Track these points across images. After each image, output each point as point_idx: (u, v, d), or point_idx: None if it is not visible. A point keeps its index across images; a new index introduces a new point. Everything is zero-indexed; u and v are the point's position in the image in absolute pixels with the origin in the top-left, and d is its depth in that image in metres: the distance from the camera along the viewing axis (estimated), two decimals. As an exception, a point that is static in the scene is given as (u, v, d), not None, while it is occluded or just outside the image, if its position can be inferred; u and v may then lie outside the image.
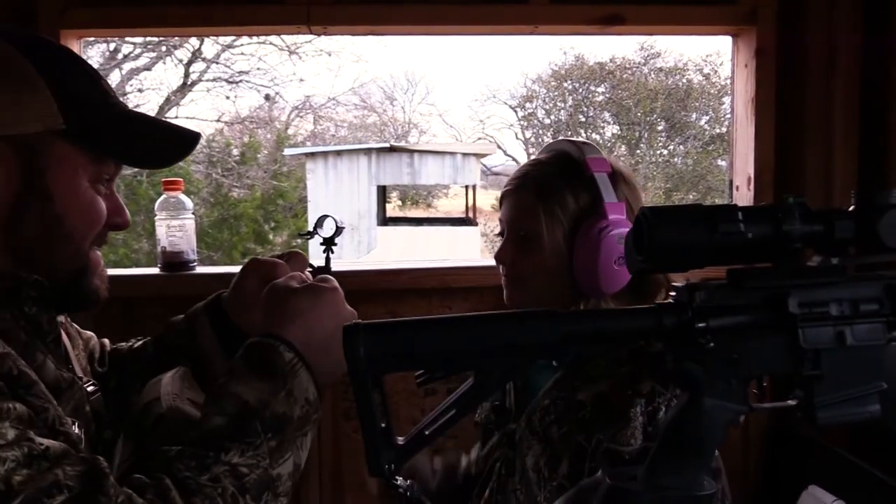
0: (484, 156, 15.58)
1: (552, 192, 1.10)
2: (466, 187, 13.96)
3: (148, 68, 12.19)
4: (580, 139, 1.15)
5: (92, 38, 7.93)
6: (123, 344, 1.13)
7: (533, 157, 1.23)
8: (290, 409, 0.81)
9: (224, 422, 0.78)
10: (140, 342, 1.12)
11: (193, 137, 0.91)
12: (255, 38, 11.87)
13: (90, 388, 0.92)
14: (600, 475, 1.01)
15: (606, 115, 16.32)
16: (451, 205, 17.88)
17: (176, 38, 10.42)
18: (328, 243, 1.69)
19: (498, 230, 1.21)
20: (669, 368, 0.99)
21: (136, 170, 11.86)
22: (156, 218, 1.79)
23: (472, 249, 12.09)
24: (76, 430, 0.81)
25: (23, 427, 0.70)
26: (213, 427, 0.78)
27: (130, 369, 1.06)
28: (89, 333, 1.09)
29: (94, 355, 1.07)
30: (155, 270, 1.79)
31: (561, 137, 1.25)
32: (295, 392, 0.82)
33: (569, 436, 1.05)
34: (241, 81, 13.27)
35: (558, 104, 16.80)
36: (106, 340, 1.13)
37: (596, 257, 1.05)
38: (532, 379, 1.16)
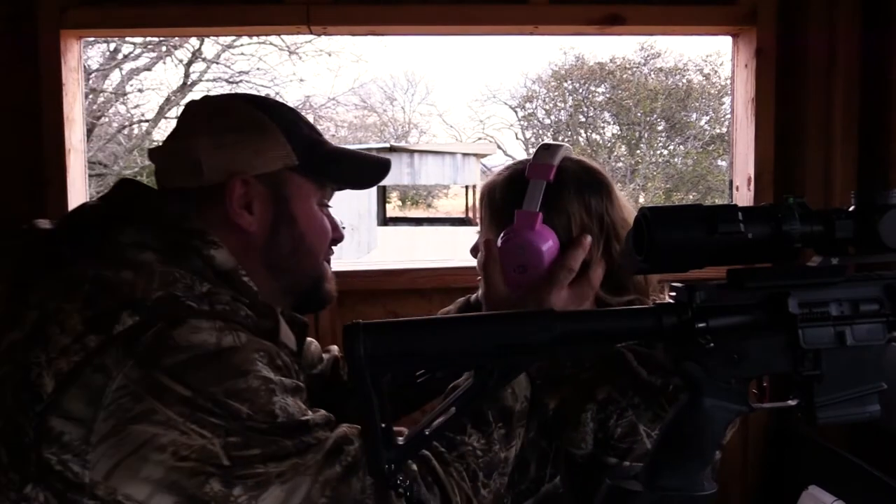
0: (484, 156, 15.59)
1: (491, 195, 1.10)
2: (466, 187, 13.98)
3: (148, 68, 12.19)
4: (556, 143, 1.10)
5: (92, 38, 7.93)
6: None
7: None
8: (514, 404, 0.97)
9: None
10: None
11: (386, 163, 1.11)
12: (255, 38, 11.86)
13: None
14: (558, 483, 1.03)
15: (606, 115, 16.33)
16: (451, 205, 17.90)
17: (176, 38, 10.41)
18: (328, 243, 1.69)
19: None
20: (643, 379, 1.00)
21: (136, 169, 11.88)
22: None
23: (472, 249, 12.06)
24: None
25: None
26: None
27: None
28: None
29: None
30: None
31: (568, 143, 1.23)
32: (516, 390, 0.98)
33: (534, 440, 1.05)
34: (241, 81, 13.26)
35: (558, 104, 16.82)
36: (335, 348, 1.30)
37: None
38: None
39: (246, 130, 0.98)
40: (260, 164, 0.98)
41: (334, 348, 1.30)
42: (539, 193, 1.03)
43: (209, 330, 0.84)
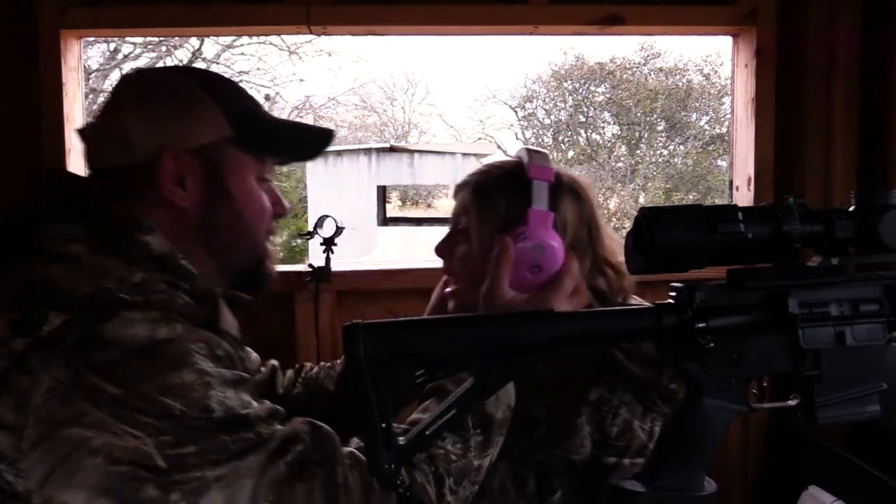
0: (484, 156, 15.54)
1: (488, 192, 1.09)
2: (466, 187, 13.94)
3: (148, 68, 12.19)
4: (538, 149, 1.11)
5: (92, 38, 7.93)
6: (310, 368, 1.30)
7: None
8: (495, 411, 0.93)
9: None
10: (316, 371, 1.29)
11: (328, 133, 1.06)
12: (255, 38, 11.86)
13: None
14: (560, 496, 1.01)
15: (606, 115, 16.32)
16: (451, 205, 17.77)
17: (176, 38, 10.42)
18: (328, 243, 1.69)
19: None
20: (633, 373, 1.00)
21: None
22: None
23: (472, 249, 12.05)
24: None
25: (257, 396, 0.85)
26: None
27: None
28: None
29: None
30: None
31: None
32: (501, 397, 0.94)
33: (528, 453, 1.04)
34: (241, 81, 13.21)
35: (558, 104, 16.80)
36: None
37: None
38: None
39: (177, 102, 0.94)
40: (192, 136, 0.93)
41: (273, 362, 1.26)
42: (545, 195, 1.04)
43: (142, 322, 0.80)
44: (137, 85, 0.98)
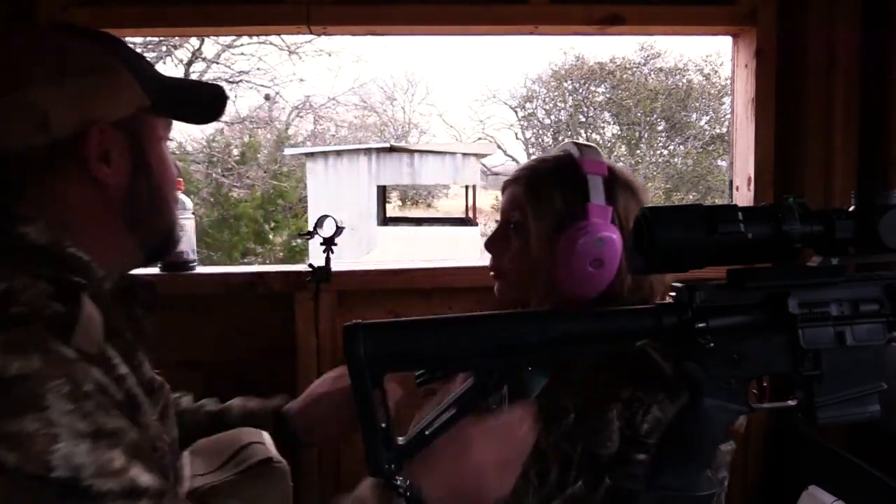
0: (484, 156, 15.56)
1: (543, 187, 1.10)
2: (466, 187, 13.95)
3: (148, 68, 12.18)
4: (587, 143, 1.14)
5: (92, 38, 7.91)
6: (182, 399, 1.17)
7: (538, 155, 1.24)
8: None
9: None
10: (197, 405, 1.17)
11: (221, 91, 1.01)
12: (255, 38, 11.87)
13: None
14: (581, 486, 1.02)
15: (606, 115, 16.32)
16: (451, 205, 17.88)
17: (176, 38, 10.41)
18: (328, 243, 1.69)
19: (496, 220, 1.22)
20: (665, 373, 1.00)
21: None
22: (156, 218, 1.79)
23: (472, 249, 12.07)
24: (166, 437, 0.86)
25: (130, 457, 0.72)
26: None
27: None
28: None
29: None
30: (154, 270, 1.79)
31: (568, 140, 1.24)
32: None
33: (555, 444, 1.05)
34: (241, 81, 13.28)
35: (558, 104, 16.81)
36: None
37: (570, 257, 1.03)
38: (528, 385, 1.16)
39: (93, 73, 0.87)
40: (113, 109, 0.87)
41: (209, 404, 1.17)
42: (601, 189, 1.06)
43: None
44: (41, 55, 0.87)
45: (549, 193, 1.09)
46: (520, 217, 1.11)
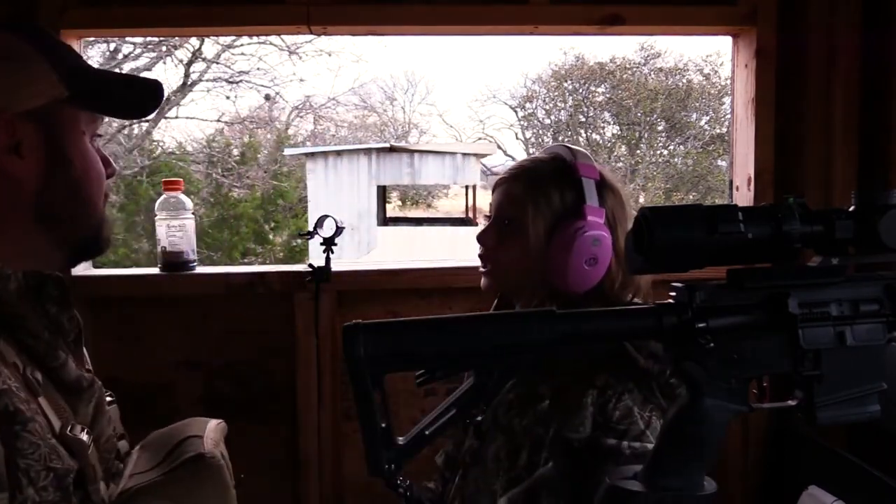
0: (484, 156, 15.57)
1: (541, 186, 1.14)
2: (466, 187, 13.96)
3: (148, 68, 12.19)
4: (577, 147, 1.19)
5: (92, 38, 7.93)
6: None
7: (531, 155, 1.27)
8: None
9: None
10: None
11: (157, 85, 0.96)
12: (255, 38, 11.87)
13: (107, 399, 0.93)
14: (551, 467, 1.04)
15: (606, 115, 16.31)
16: (451, 205, 17.88)
17: (176, 38, 10.42)
18: (328, 243, 1.69)
19: (484, 216, 1.27)
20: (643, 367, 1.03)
21: (136, 169, 11.89)
22: (156, 218, 1.79)
23: (472, 249, 12.03)
24: (84, 437, 0.81)
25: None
26: None
27: None
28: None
29: None
30: (155, 270, 1.80)
31: (558, 143, 1.29)
32: None
33: (529, 427, 1.08)
34: (241, 81, 13.27)
35: (558, 104, 16.80)
36: None
37: (567, 255, 1.09)
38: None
39: (6, 61, 0.84)
40: (25, 98, 0.83)
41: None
42: (594, 191, 1.13)
43: None
44: None
45: (547, 192, 1.14)
46: (518, 213, 1.15)
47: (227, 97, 13.62)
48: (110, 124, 12.38)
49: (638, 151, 15.98)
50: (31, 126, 0.84)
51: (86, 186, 0.89)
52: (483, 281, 1.22)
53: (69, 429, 0.79)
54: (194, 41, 11.94)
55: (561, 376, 1.08)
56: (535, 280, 1.16)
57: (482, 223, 1.28)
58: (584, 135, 16.24)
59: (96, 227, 0.92)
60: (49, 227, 0.87)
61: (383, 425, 0.73)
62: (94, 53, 11.52)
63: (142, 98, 0.95)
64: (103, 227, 0.93)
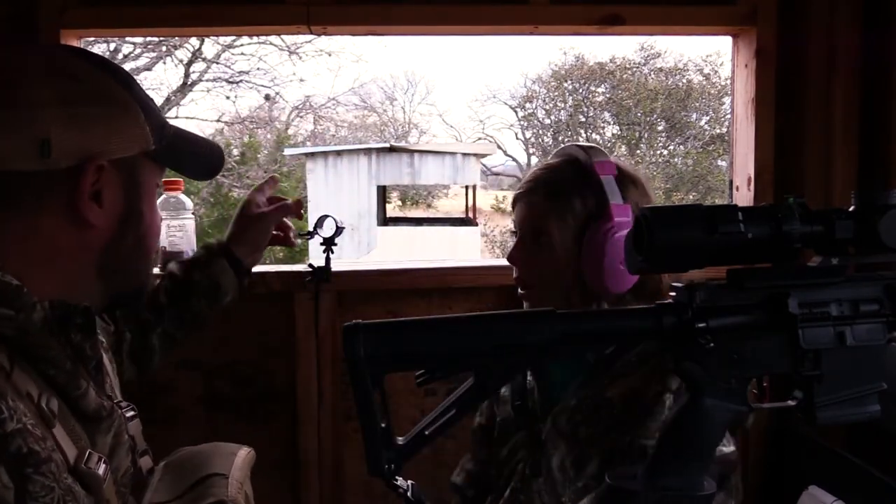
0: (484, 156, 15.58)
1: (562, 195, 1.12)
2: (466, 187, 13.96)
3: (148, 68, 12.19)
4: (588, 144, 1.17)
5: (92, 38, 7.93)
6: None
7: (543, 161, 1.26)
8: None
9: None
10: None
11: (220, 150, 0.99)
12: (255, 38, 11.87)
13: (129, 414, 0.92)
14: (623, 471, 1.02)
15: (606, 115, 16.32)
16: (451, 205, 17.89)
17: (176, 38, 10.42)
18: (328, 243, 1.69)
19: (510, 232, 1.24)
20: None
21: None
22: (156, 218, 1.79)
23: (472, 249, 12.08)
24: (101, 470, 0.78)
25: None
26: None
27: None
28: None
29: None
30: (155, 270, 1.79)
31: (569, 143, 1.27)
32: None
33: (598, 436, 1.05)
34: (241, 81, 13.28)
35: (558, 104, 16.80)
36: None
37: (602, 258, 1.07)
38: (554, 378, 1.16)
39: (103, 103, 0.81)
40: (116, 146, 0.81)
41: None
42: (615, 188, 1.10)
43: None
44: (50, 72, 0.80)
45: (568, 200, 1.12)
46: (543, 226, 1.13)
47: (227, 97, 13.64)
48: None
49: (638, 151, 15.98)
50: (116, 175, 0.82)
51: (148, 241, 0.88)
52: (525, 305, 1.18)
53: (85, 460, 0.77)
54: (194, 41, 11.95)
55: (630, 379, 1.06)
56: (571, 288, 1.13)
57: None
58: (584, 135, 16.24)
59: (143, 284, 0.92)
60: (107, 277, 0.85)
61: (383, 425, 0.73)
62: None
63: (211, 161, 0.97)
64: (146, 284, 0.92)
